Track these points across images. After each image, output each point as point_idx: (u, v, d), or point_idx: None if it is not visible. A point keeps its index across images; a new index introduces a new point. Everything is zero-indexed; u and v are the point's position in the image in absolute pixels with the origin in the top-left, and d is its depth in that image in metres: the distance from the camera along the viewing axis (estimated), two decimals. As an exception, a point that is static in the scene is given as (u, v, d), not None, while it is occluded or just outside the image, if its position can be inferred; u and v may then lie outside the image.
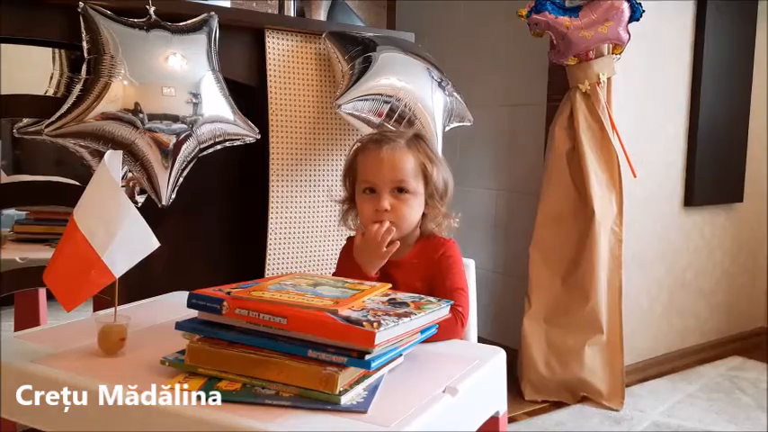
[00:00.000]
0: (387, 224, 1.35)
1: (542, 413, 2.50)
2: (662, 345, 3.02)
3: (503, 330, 2.98)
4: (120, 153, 1.14)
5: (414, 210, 1.40)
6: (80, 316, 1.35)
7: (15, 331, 1.34)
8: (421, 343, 1.13)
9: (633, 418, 2.47)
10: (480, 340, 1.56)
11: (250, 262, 1.99)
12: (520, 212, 3.00)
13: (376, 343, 0.91)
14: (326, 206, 2.01)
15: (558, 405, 2.57)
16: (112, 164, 1.11)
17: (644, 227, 2.87)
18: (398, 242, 1.36)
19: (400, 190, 1.38)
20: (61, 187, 1.84)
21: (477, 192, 3.22)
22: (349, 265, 1.41)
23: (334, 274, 1.47)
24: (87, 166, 1.77)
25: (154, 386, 0.96)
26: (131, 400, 0.94)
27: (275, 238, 1.92)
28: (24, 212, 2.08)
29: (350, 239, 1.50)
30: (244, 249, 2.08)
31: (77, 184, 1.81)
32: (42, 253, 1.86)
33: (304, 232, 1.96)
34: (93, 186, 1.13)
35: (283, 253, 1.94)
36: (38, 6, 1.59)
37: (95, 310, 1.71)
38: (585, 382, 2.55)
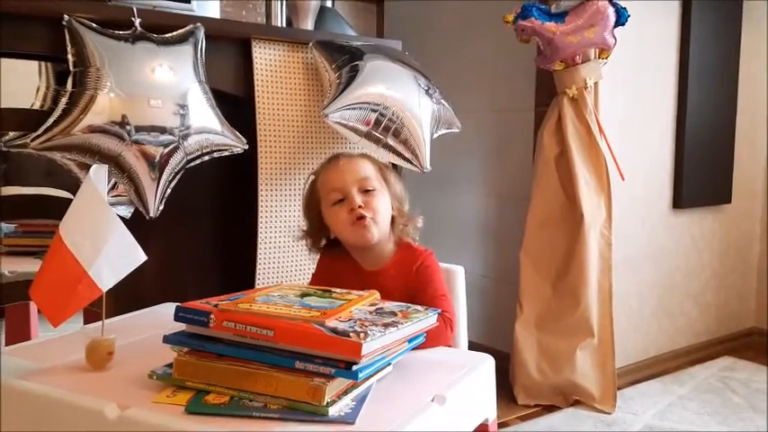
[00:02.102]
0: (366, 219, 1.39)
1: (535, 417, 2.51)
2: (653, 346, 3.03)
3: (495, 335, 2.99)
4: (105, 167, 1.14)
5: (384, 205, 1.43)
6: (70, 329, 1.35)
7: (6, 345, 1.34)
8: (411, 351, 1.13)
9: (625, 421, 2.48)
10: (472, 345, 1.57)
11: (240, 272, 1.99)
12: (509, 218, 3.01)
13: (363, 354, 0.91)
14: (316, 215, 2.01)
15: (551, 409, 2.57)
16: (98, 178, 1.11)
17: (633, 229, 2.88)
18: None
19: (366, 191, 1.42)
20: (50, 200, 1.83)
21: (466, 197, 3.22)
22: (328, 276, 1.46)
23: (311, 283, 1.49)
24: (77, 177, 1.77)
25: (141, 400, 0.96)
26: (118, 416, 0.94)
27: (265, 248, 1.92)
28: (13, 225, 2.07)
29: (323, 253, 1.51)
30: (233, 260, 2.08)
31: (67, 195, 1.81)
32: (32, 266, 1.85)
33: (294, 242, 1.96)
34: (78, 201, 1.12)
35: (273, 263, 1.94)
36: (23, 20, 1.59)
37: (85, 322, 1.71)
38: (577, 386, 2.56)
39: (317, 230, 1.50)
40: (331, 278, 1.43)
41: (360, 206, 1.39)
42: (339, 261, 1.48)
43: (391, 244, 1.47)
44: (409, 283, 1.41)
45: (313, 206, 1.49)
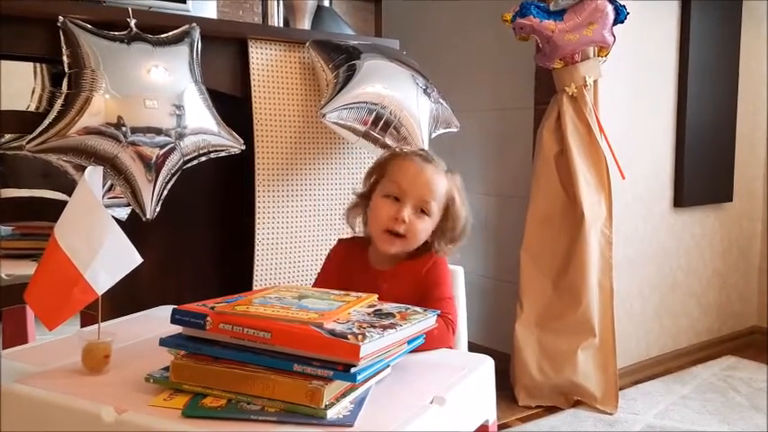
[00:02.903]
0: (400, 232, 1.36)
1: (536, 418, 2.50)
2: (654, 346, 3.02)
3: (495, 335, 2.98)
4: (100, 169, 1.13)
5: (425, 232, 1.40)
6: (68, 331, 1.34)
7: (4, 349, 1.33)
8: (411, 352, 1.12)
9: (627, 421, 2.47)
10: (473, 346, 1.56)
11: (238, 273, 1.98)
12: (509, 216, 3.00)
13: (361, 356, 0.90)
14: (314, 216, 2.00)
15: (552, 410, 2.56)
16: (93, 180, 1.10)
17: (634, 228, 2.87)
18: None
19: (422, 211, 1.38)
20: (47, 202, 1.82)
21: (465, 196, 3.21)
22: (338, 267, 1.44)
23: (317, 279, 1.47)
24: (73, 179, 1.76)
25: (138, 404, 0.95)
26: (115, 419, 0.93)
27: (263, 249, 1.91)
28: (10, 228, 2.06)
29: (340, 242, 1.49)
30: (231, 261, 2.07)
31: (63, 198, 1.80)
32: (29, 269, 1.84)
33: (291, 242, 1.95)
34: (73, 203, 1.11)
35: (271, 264, 1.93)
36: (18, 21, 1.58)
37: (82, 325, 1.69)
38: (579, 386, 2.55)
39: (364, 198, 1.46)
40: (341, 269, 1.42)
41: (404, 221, 1.36)
42: (353, 255, 1.47)
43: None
44: (418, 284, 1.40)
45: (374, 176, 1.45)
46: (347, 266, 1.45)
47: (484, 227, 3.14)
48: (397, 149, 1.49)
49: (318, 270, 1.52)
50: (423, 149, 1.60)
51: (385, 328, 0.99)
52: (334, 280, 1.39)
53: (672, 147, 3.00)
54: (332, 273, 1.46)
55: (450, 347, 1.36)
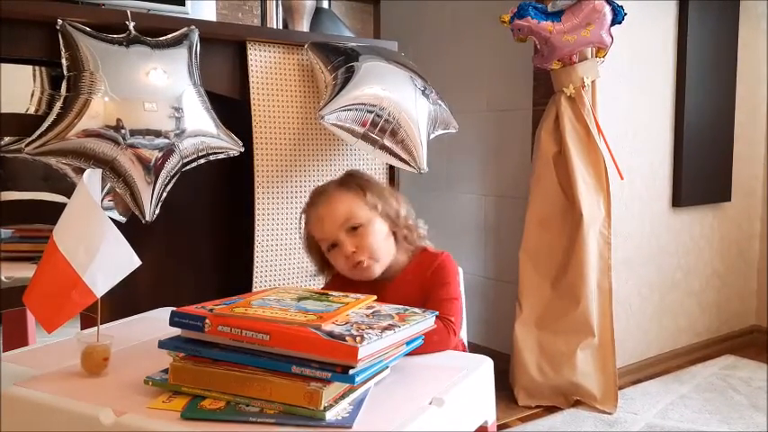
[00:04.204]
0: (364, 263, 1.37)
1: (536, 418, 2.50)
2: (653, 346, 3.02)
3: (495, 336, 2.98)
4: (98, 171, 1.14)
5: (377, 235, 1.40)
6: (68, 334, 1.34)
7: (4, 351, 1.33)
8: (410, 354, 1.12)
9: (627, 421, 2.47)
10: (472, 346, 1.56)
11: (238, 275, 1.98)
12: (508, 217, 3.00)
13: (359, 358, 0.91)
14: (313, 217, 2.00)
15: (552, 410, 2.56)
16: (91, 182, 1.10)
17: (632, 228, 2.87)
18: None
19: (353, 229, 1.39)
20: (47, 205, 1.83)
21: (465, 197, 3.22)
22: (342, 283, 1.44)
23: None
24: (72, 181, 1.76)
25: (137, 406, 0.95)
26: (114, 421, 0.94)
27: (262, 251, 1.92)
28: (10, 231, 2.06)
29: (334, 277, 1.50)
30: (231, 263, 2.07)
31: (63, 200, 1.80)
32: (29, 272, 1.84)
33: (291, 244, 1.96)
34: (72, 206, 1.12)
35: (271, 266, 1.93)
36: (17, 24, 1.59)
37: (82, 328, 1.70)
38: (578, 386, 2.55)
39: (327, 265, 1.48)
40: (345, 284, 1.42)
41: (354, 251, 1.37)
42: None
43: (403, 256, 1.46)
44: (425, 285, 1.41)
45: (313, 246, 1.48)
46: (352, 282, 1.44)
47: (483, 228, 3.15)
48: (302, 212, 1.51)
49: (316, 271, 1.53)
50: (315, 187, 1.57)
51: (383, 329, 0.99)
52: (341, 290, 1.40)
53: (670, 147, 3.00)
54: (338, 285, 1.45)
55: (451, 349, 1.36)
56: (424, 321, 1.11)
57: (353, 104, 1.84)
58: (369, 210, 1.41)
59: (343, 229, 1.38)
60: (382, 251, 1.40)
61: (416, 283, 1.41)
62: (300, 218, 1.51)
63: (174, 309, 1.02)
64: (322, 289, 1.47)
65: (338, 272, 1.47)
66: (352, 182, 1.46)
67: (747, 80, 3.28)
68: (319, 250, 1.46)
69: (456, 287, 1.42)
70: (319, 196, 1.45)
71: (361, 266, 1.38)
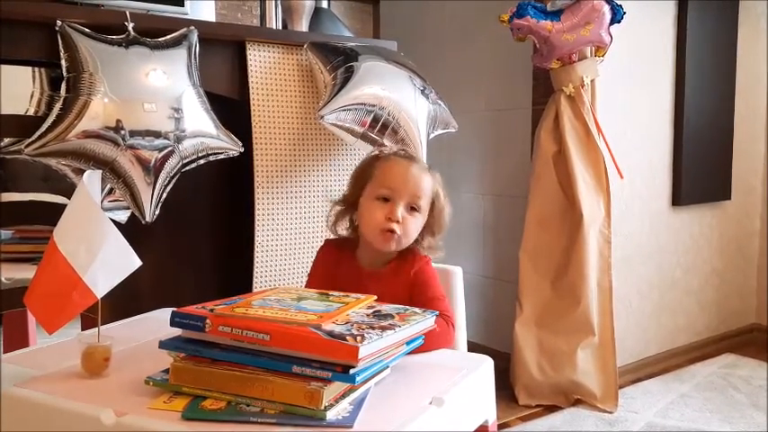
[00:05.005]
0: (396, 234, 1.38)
1: (536, 417, 2.50)
2: (653, 344, 3.02)
3: (495, 335, 2.98)
4: (98, 172, 1.14)
5: (417, 229, 1.42)
6: (68, 335, 1.34)
7: (5, 353, 1.33)
8: (411, 353, 1.12)
9: (627, 420, 2.47)
10: (472, 346, 1.56)
11: (238, 275, 1.98)
12: (508, 217, 3.00)
13: (360, 357, 0.91)
14: (313, 217, 2.00)
15: (552, 409, 2.56)
16: (91, 183, 1.10)
17: (632, 227, 2.87)
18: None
19: (413, 208, 1.40)
20: (47, 206, 1.83)
21: (465, 197, 3.22)
22: (325, 270, 1.45)
23: (308, 281, 1.48)
24: (73, 182, 1.76)
25: (138, 407, 0.95)
26: (115, 422, 0.94)
27: (262, 251, 1.92)
28: (11, 231, 2.06)
29: (328, 242, 1.50)
30: (231, 263, 2.07)
31: (63, 201, 1.80)
32: (29, 273, 1.84)
33: (291, 244, 1.96)
34: (72, 207, 1.12)
35: (271, 266, 1.93)
36: (16, 25, 1.59)
37: (83, 328, 1.70)
38: (579, 385, 2.55)
39: (350, 204, 1.47)
40: (328, 272, 1.43)
41: (398, 221, 1.37)
42: (341, 255, 1.47)
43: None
44: (406, 285, 1.41)
45: (362, 181, 1.45)
46: (336, 267, 1.46)
47: (483, 227, 3.15)
48: (378, 152, 1.51)
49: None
50: (403, 149, 1.64)
51: (384, 329, 0.99)
52: (323, 280, 1.40)
53: (670, 145, 3.00)
54: (321, 273, 1.47)
55: (452, 345, 1.37)
56: (425, 321, 1.11)
57: (353, 104, 1.84)
58: (428, 205, 1.43)
59: (409, 199, 1.39)
60: (410, 238, 1.42)
61: (399, 281, 1.42)
62: (371, 152, 1.51)
63: (175, 309, 1.02)
64: (313, 263, 1.50)
65: (329, 243, 1.49)
66: (437, 179, 1.47)
67: (746, 79, 3.28)
68: (360, 190, 1.44)
69: (440, 286, 1.44)
70: (413, 158, 1.46)
71: (391, 235, 1.38)
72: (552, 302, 2.60)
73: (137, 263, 1.14)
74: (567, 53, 2.45)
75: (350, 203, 1.47)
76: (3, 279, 1.82)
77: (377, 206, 1.39)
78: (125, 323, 1.46)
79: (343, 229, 1.49)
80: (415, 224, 1.41)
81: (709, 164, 3.13)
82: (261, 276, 1.92)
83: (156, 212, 1.65)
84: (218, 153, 1.75)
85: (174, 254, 2.02)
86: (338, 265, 1.46)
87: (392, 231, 1.37)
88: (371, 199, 1.41)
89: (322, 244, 1.51)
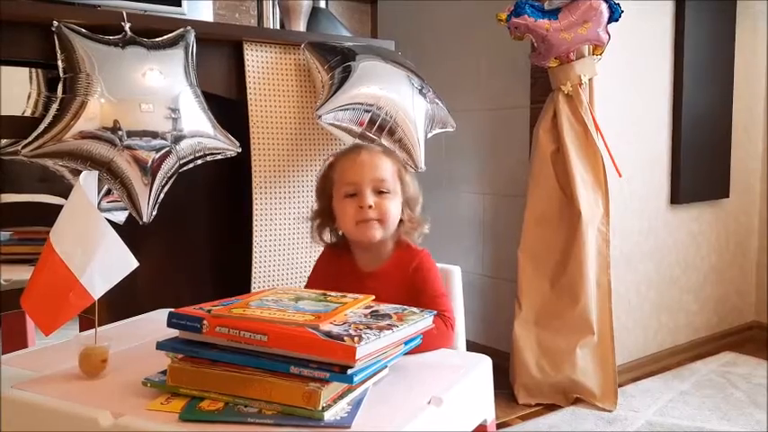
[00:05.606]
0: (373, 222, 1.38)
1: (536, 416, 2.49)
2: (653, 343, 3.02)
3: (494, 334, 2.98)
4: (94, 173, 1.13)
5: (395, 209, 1.41)
6: (66, 336, 1.34)
7: (3, 354, 1.33)
8: (410, 353, 1.12)
9: (627, 418, 2.47)
10: (471, 345, 1.56)
11: (236, 276, 1.98)
12: (507, 215, 3.00)
13: (357, 357, 0.90)
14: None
15: (552, 408, 2.56)
16: (88, 184, 1.10)
17: (631, 226, 2.87)
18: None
19: (380, 192, 1.40)
20: (45, 207, 1.82)
21: (463, 196, 3.21)
22: (324, 274, 1.45)
23: (308, 282, 1.48)
24: (70, 183, 1.76)
25: (135, 408, 0.95)
26: (112, 423, 0.93)
27: (260, 251, 1.92)
28: (9, 233, 2.06)
29: (328, 247, 1.50)
30: (229, 263, 2.07)
31: (61, 202, 1.80)
32: (27, 274, 1.84)
33: (289, 244, 1.96)
34: (68, 208, 1.11)
35: (269, 266, 1.93)
36: (12, 27, 1.58)
37: (81, 329, 1.70)
38: (578, 384, 2.55)
39: (326, 215, 1.47)
40: (328, 275, 1.44)
41: (370, 206, 1.37)
42: (339, 259, 1.47)
43: (391, 243, 1.46)
44: (406, 283, 1.40)
45: (326, 190, 1.46)
46: (335, 270, 1.46)
47: (481, 226, 3.15)
48: (330, 158, 1.51)
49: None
50: (355, 142, 1.67)
51: (381, 329, 0.99)
52: (323, 283, 1.40)
53: (668, 144, 3.00)
54: (321, 277, 1.47)
55: (451, 345, 1.36)
56: (423, 321, 1.11)
57: (351, 104, 1.84)
58: (397, 185, 1.43)
59: (373, 185, 1.39)
60: (392, 222, 1.41)
61: (398, 279, 1.41)
62: (326, 160, 1.51)
63: (172, 310, 1.02)
64: (312, 269, 1.50)
65: (327, 249, 1.49)
66: (395, 157, 1.48)
67: (745, 77, 3.28)
68: (329, 199, 1.45)
69: (441, 283, 1.43)
70: (362, 147, 1.47)
71: (369, 223, 1.38)
72: (551, 301, 2.60)
73: (134, 264, 1.14)
74: (565, 52, 2.45)
75: (325, 215, 1.48)
76: (1, 281, 1.82)
77: (347, 203, 1.40)
78: (123, 324, 1.46)
79: (328, 240, 1.50)
80: (390, 205, 1.40)
81: (707, 162, 3.13)
82: (259, 277, 1.92)
83: (154, 213, 1.64)
84: (216, 153, 1.75)
85: (172, 255, 2.02)
86: (338, 269, 1.46)
87: (367, 220, 1.37)
88: (341, 199, 1.42)
89: (323, 248, 1.52)
